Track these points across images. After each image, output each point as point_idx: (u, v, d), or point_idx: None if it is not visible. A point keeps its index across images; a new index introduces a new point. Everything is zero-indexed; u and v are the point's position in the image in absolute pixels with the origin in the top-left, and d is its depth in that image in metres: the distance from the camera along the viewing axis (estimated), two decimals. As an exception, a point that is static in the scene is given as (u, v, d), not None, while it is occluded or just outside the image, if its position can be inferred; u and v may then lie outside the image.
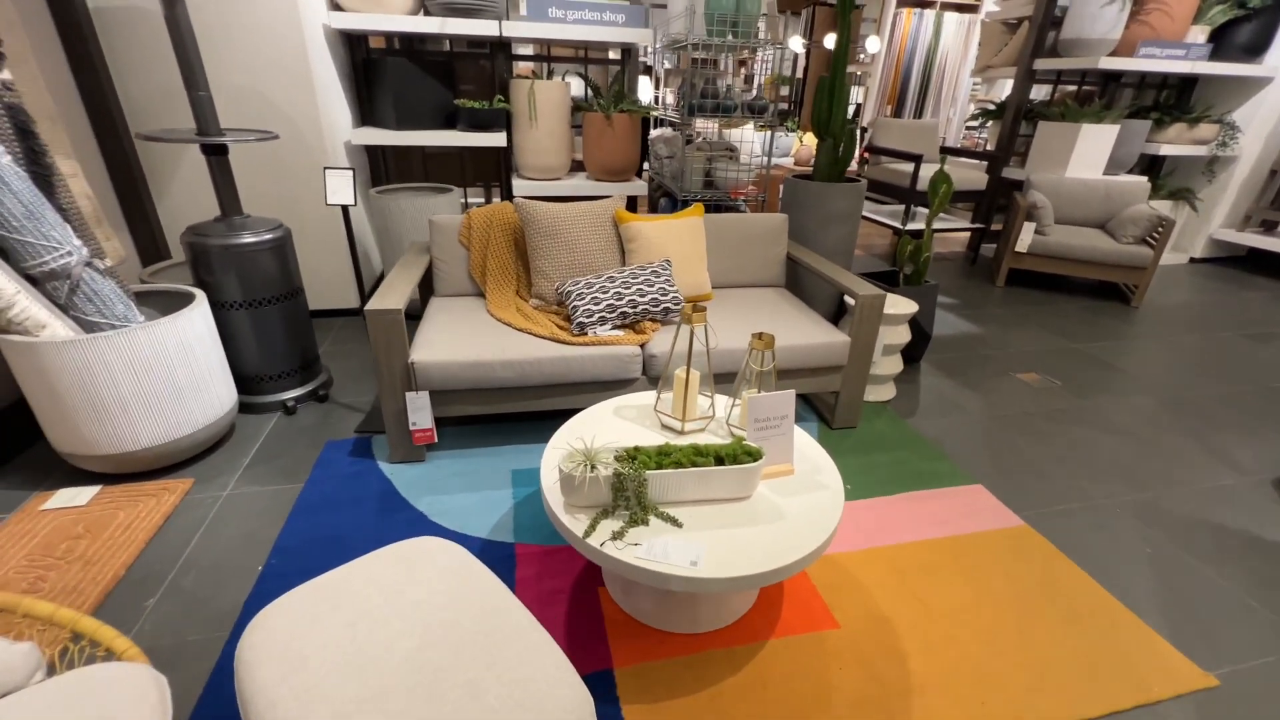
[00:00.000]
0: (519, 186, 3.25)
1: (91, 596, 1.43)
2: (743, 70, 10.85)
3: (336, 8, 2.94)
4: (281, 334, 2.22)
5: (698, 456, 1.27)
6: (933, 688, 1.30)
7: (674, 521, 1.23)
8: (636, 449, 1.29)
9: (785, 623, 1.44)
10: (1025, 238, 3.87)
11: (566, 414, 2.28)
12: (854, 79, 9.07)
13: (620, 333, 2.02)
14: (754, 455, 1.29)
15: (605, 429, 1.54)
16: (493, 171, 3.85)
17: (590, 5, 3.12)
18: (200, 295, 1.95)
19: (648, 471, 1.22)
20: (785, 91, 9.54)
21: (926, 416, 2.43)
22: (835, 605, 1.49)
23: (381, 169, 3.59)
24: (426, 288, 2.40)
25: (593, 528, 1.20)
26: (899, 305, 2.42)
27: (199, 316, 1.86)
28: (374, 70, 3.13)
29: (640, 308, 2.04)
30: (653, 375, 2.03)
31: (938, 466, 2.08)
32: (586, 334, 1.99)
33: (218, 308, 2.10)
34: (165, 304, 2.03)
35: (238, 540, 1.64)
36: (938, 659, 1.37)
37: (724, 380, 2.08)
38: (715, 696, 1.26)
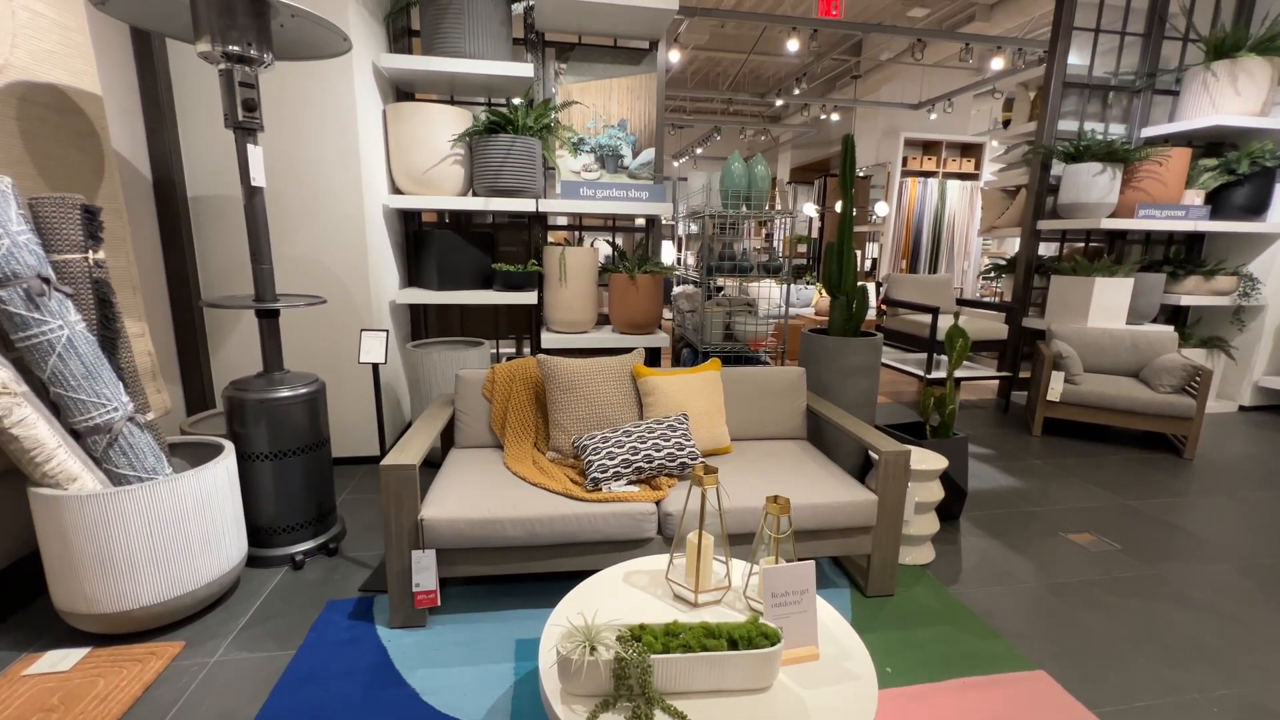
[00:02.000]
0: (547, 339, 3.41)
1: (45, 786, 1.30)
2: (763, 230, 11.77)
3: (397, 190, 3.37)
4: (301, 484, 2.24)
5: (709, 639, 1.16)
6: None
7: (683, 717, 1.09)
8: (642, 627, 1.19)
9: None
10: (1056, 387, 3.80)
11: (579, 575, 2.16)
12: (869, 236, 9.70)
13: (635, 489, 1.97)
14: (772, 638, 1.17)
15: (613, 599, 1.44)
16: (524, 325, 4.09)
17: (617, 185, 3.50)
18: (229, 447, 2.01)
19: (653, 656, 1.11)
20: (803, 249, 10.23)
21: (971, 584, 2.21)
22: (881, 831, 1.25)
23: (422, 323, 3.85)
24: (449, 439, 2.44)
25: (590, 723, 1.07)
26: (927, 460, 2.33)
27: (223, 469, 1.90)
28: (422, 240, 3.49)
29: (656, 462, 2.01)
30: (668, 535, 1.93)
31: (990, 646, 1.85)
32: (601, 489, 1.95)
33: (244, 458, 2.15)
34: (196, 455, 2.09)
35: (215, 718, 1.51)
36: None
37: (744, 540, 1.97)
38: None
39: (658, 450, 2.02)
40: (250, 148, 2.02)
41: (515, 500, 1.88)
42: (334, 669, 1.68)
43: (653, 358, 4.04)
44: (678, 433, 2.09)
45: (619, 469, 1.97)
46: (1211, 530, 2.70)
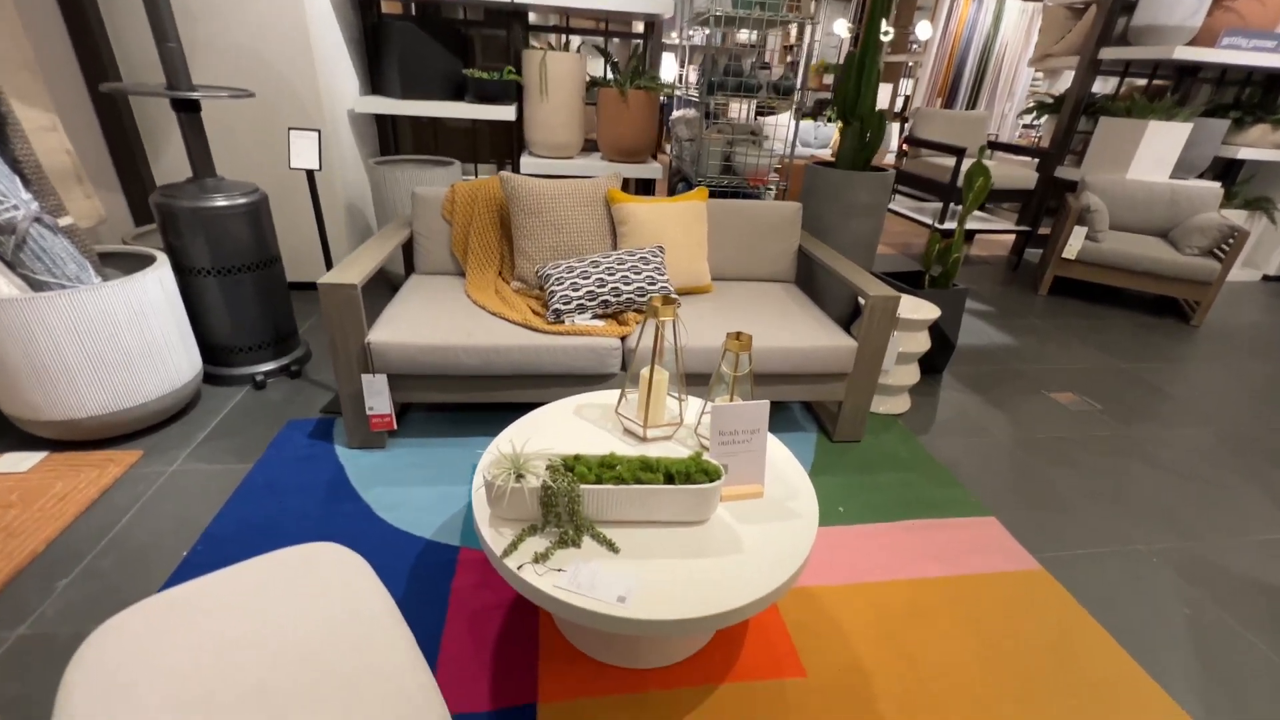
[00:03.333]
0: (527, 164, 3.09)
1: (3, 572, 1.35)
2: (789, 56, 10.46)
3: (344, -33, 2.82)
4: (255, 305, 2.12)
5: (644, 472, 1.10)
6: (907, 761, 1.11)
7: (610, 545, 1.06)
8: (577, 458, 1.12)
9: (744, 664, 1.26)
10: (1075, 243, 3.53)
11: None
12: (902, 69, 8.61)
13: (600, 323, 1.84)
14: (712, 474, 1.11)
15: (560, 430, 1.38)
16: (505, 148, 3.71)
17: (609, -28, 2.92)
18: (161, 259, 1.86)
19: (583, 486, 1.06)
20: (828, 80, 9.14)
21: (943, 435, 2.19)
22: (805, 649, 1.30)
23: (391, 140, 3.48)
24: (412, 264, 2.27)
25: (514, 547, 1.04)
26: (919, 309, 2.18)
27: (155, 281, 1.76)
28: (381, 35, 3.01)
29: (624, 297, 1.86)
30: (637, 369, 1.85)
31: (948, 493, 1.86)
32: (563, 322, 1.83)
33: (186, 273, 2.01)
34: (132, 267, 1.94)
35: (170, 521, 1.54)
36: (917, 725, 1.17)
37: (707, 382, 1.89)
38: (648, 749, 1.09)
39: (626, 284, 1.86)
40: (121, -126, 1.58)
41: (471, 328, 1.76)
42: (290, 483, 1.69)
43: (647, 191, 3.72)
44: (650, 265, 1.92)
45: (583, 301, 1.83)
46: (1199, 397, 2.63)
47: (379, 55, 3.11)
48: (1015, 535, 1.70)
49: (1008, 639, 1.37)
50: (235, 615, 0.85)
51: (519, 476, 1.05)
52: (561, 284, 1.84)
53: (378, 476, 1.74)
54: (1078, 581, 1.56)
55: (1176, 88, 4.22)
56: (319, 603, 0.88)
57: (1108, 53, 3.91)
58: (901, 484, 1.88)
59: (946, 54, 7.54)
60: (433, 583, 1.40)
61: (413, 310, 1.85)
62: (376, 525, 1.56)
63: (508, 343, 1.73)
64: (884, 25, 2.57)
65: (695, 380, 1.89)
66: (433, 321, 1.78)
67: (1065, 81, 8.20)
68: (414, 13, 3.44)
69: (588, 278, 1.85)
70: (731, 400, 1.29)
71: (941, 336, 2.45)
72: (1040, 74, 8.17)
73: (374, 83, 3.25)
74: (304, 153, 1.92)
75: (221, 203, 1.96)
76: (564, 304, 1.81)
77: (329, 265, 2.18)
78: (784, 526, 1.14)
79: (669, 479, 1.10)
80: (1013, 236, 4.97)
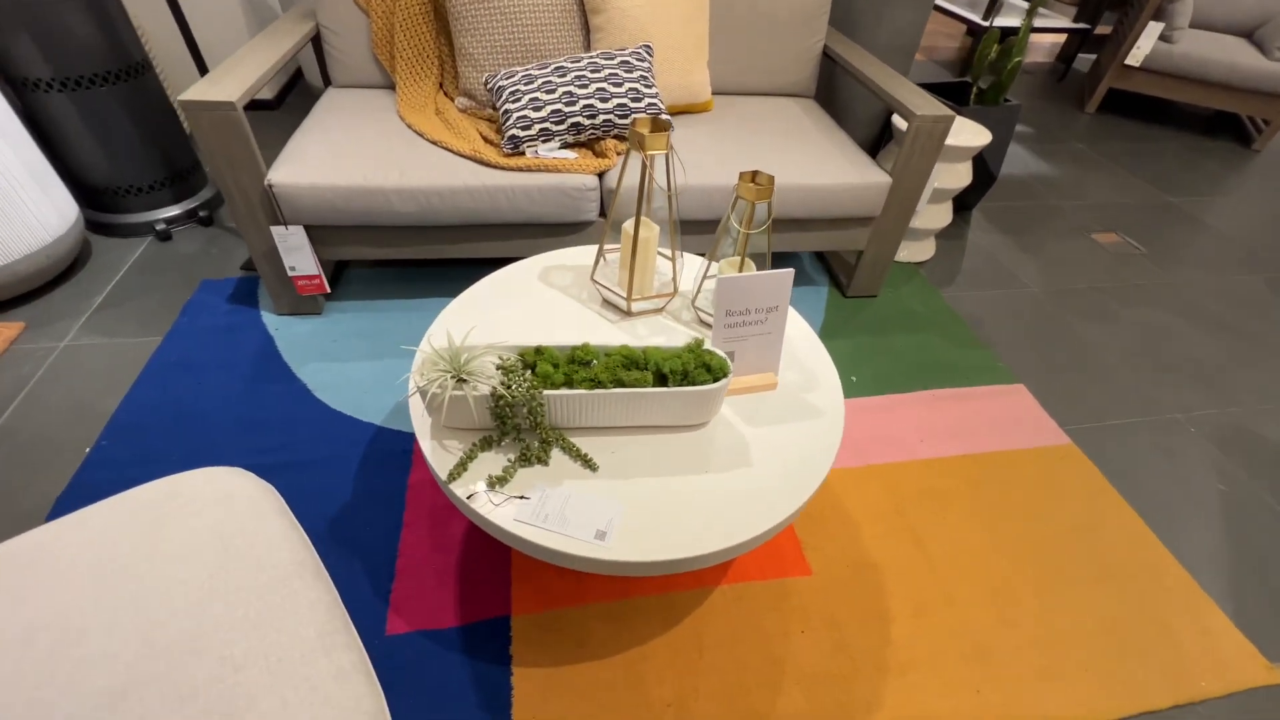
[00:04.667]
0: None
1: None
2: None
3: None
4: (130, 129, 1.67)
5: (627, 371, 0.84)
6: (916, 664, 1.02)
7: (586, 461, 0.84)
8: (539, 351, 0.85)
9: (742, 564, 1.13)
10: (1145, 45, 2.94)
11: (506, 261, 1.80)
12: None
13: (571, 154, 1.45)
14: (716, 371, 0.85)
15: (519, 303, 1.09)
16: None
17: None
18: (-29, 66, 1.37)
19: (547, 393, 0.80)
20: None
21: (967, 286, 1.92)
22: (810, 544, 1.17)
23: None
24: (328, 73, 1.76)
25: (462, 467, 0.82)
26: (966, 134, 1.77)
27: (-37, 99, 1.30)
28: None
29: (601, 117, 1.44)
30: (618, 217, 1.50)
31: (971, 356, 1.65)
32: (523, 153, 1.43)
33: (20, 88, 1.52)
34: (-60, 78, 1.45)
35: (67, 410, 1.29)
36: (928, 625, 1.07)
37: (706, 230, 1.56)
38: (635, 662, 0.99)
39: (604, 100, 1.43)
40: None
41: (405, 164, 1.37)
42: (209, 358, 1.42)
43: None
44: (635, 74, 1.46)
45: (548, 125, 1.41)
46: (1252, 236, 2.34)
47: None
48: (1044, 405, 1.53)
49: (1028, 524, 1.25)
50: (84, 586, 0.64)
51: (461, 381, 0.79)
52: (518, 100, 1.41)
53: (314, 349, 1.47)
54: (1108, 456, 1.42)
55: None
56: (207, 563, 0.66)
57: None
58: (919, 347, 1.66)
59: None
60: (384, 479, 1.21)
61: (327, 139, 1.42)
62: (314, 409, 1.33)
63: (452, 183, 1.35)
64: None
65: (689, 230, 1.55)
66: (356, 154, 1.37)
67: None
68: None
69: (552, 91, 1.41)
70: (741, 266, 0.99)
71: (983, 167, 2.07)
72: None
73: None
74: None
75: (39, -20, 1.41)
76: (523, 128, 1.40)
77: (202, 73, 1.68)
78: (802, 429, 0.92)
79: (661, 379, 0.84)
80: (1062, 38, 4.23)
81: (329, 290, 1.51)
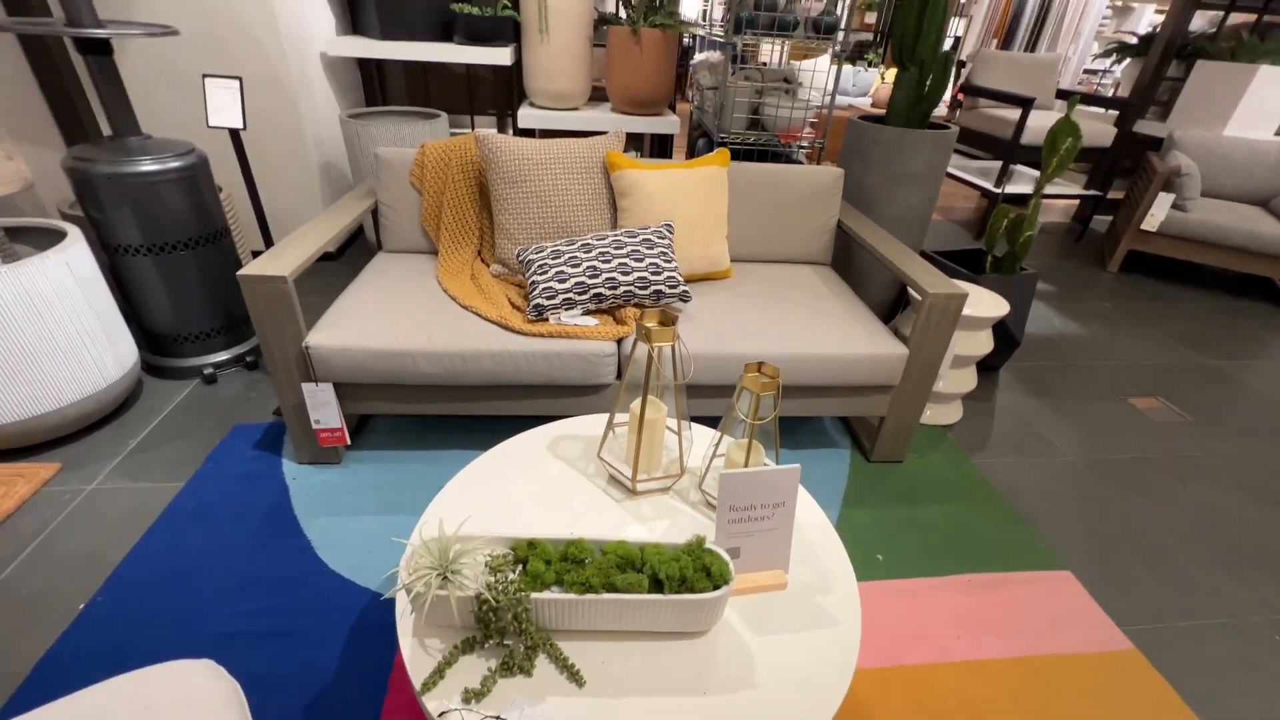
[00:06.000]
0: (526, 117, 2.70)
1: None
2: (826, -7, 9.55)
3: (308, -122, 2.40)
4: (200, 286, 1.84)
5: (621, 573, 0.79)
6: None
7: (573, 674, 0.77)
8: (531, 545, 0.83)
9: (753, 790, 0.98)
10: (1158, 213, 3.04)
11: (527, 418, 1.83)
12: (956, 7, 7.76)
13: (592, 321, 1.52)
14: (716, 578, 0.80)
15: (524, 478, 1.08)
16: (505, 97, 3.30)
17: (619, -120, 2.44)
18: (73, 235, 1.56)
19: (535, 596, 0.76)
20: (871, 19, 8.32)
21: (1000, 453, 1.85)
22: (833, 767, 1.02)
23: (377, 89, 3.10)
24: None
25: (439, 675, 0.76)
26: (984, 304, 1.80)
27: (55, 266, 1.47)
28: (355, -38, 2.60)
29: (622, 289, 1.52)
30: (633, 382, 1.53)
31: (1009, 534, 1.53)
32: (546, 320, 1.50)
33: (113, 252, 1.72)
34: (50, 244, 1.66)
35: (75, 559, 1.30)
36: None
37: (722, 394, 1.57)
38: None
39: (625, 273, 1.52)
40: None
41: (435, 328, 1.45)
42: (225, 508, 1.44)
43: (662, 149, 3.30)
44: (655, 250, 1.56)
45: (572, 295, 1.50)
46: (1308, 403, 2.23)
47: (355, -13, 2.72)
48: (1096, 597, 1.38)
49: (1094, 754, 1.07)
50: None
51: (446, 579, 0.76)
52: (545, 273, 1.51)
53: (326, 501, 1.47)
54: (1178, 666, 1.24)
55: (1292, 25, 3.58)
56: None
57: (1214, -18, 3.29)
58: (953, 521, 1.56)
59: (1007, -12, 6.72)
60: (370, 657, 1.14)
61: (368, 302, 1.54)
62: (312, 569, 1.30)
63: (477, 347, 1.42)
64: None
65: (706, 394, 1.57)
66: (390, 318, 1.47)
67: (1137, 20, 7.32)
68: (399, -63, 3.00)
69: (577, 265, 1.51)
70: (748, 454, 0.97)
71: (1005, 333, 2.07)
72: (1109, 11, 7.29)
73: (354, 21, 2.85)
74: (224, 108, 1.58)
75: (149, 167, 1.65)
76: (547, 298, 1.49)
77: (268, 244, 1.87)
78: (814, 640, 0.84)
79: (656, 584, 0.80)
80: (1077, 202, 4.43)
81: (349, 442, 1.54)
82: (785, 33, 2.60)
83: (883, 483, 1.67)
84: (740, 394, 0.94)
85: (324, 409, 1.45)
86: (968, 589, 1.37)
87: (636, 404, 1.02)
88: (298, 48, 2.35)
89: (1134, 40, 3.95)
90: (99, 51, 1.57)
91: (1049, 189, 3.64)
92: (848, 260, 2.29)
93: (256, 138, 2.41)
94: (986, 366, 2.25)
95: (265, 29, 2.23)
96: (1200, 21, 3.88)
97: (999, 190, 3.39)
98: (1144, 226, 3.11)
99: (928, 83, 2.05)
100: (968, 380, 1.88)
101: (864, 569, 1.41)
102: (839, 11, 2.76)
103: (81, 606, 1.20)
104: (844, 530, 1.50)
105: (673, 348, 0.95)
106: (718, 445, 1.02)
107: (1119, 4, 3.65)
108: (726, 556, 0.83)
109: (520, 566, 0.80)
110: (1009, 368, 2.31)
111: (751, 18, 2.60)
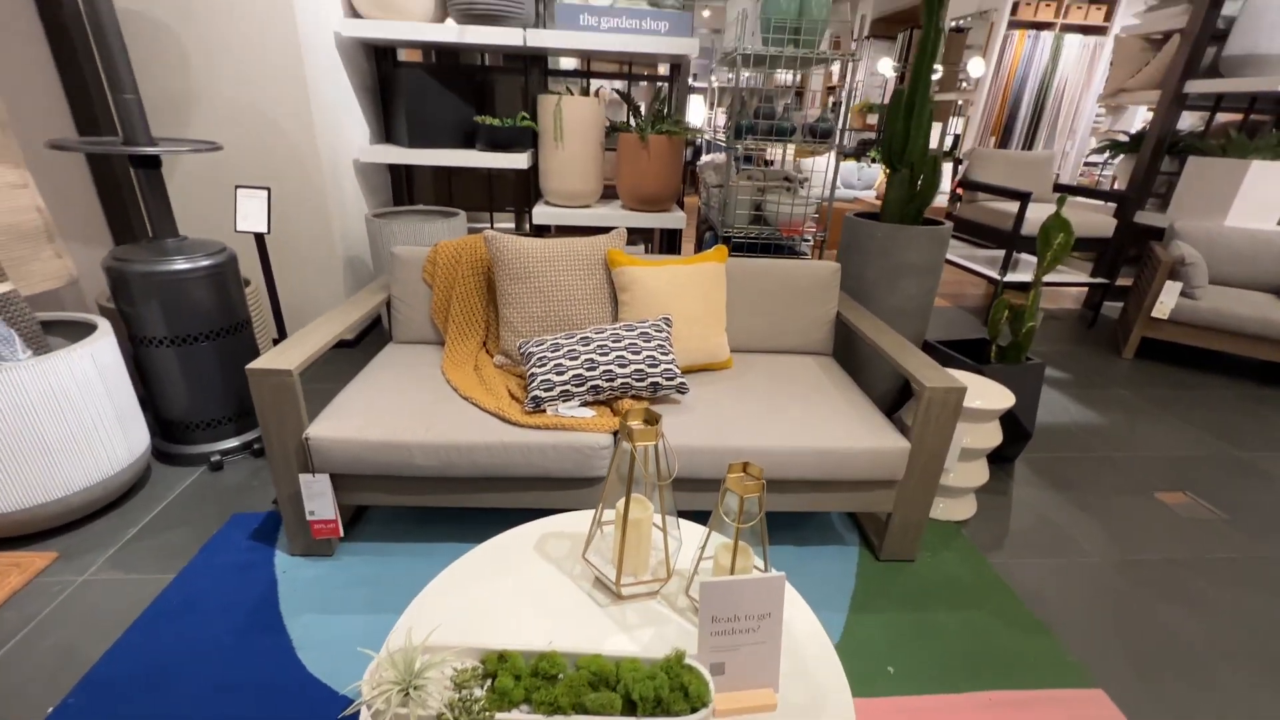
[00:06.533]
0: (541, 214, 2.86)
1: None
2: (831, 97, 10.25)
3: (354, 14, 2.71)
4: (217, 375, 1.90)
5: (594, 690, 0.75)
6: None
7: (538, 807, 0.72)
8: (502, 658, 0.79)
9: None
10: (1167, 301, 3.04)
11: (524, 510, 1.81)
12: (952, 108, 8.23)
13: (589, 412, 1.53)
14: (694, 699, 0.75)
15: (507, 579, 1.05)
16: (524, 195, 3.52)
17: (628, 12, 2.72)
18: (102, 329, 1.65)
19: (499, 716, 0.72)
20: (873, 120, 8.85)
21: (1019, 552, 1.75)
22: None
23: (405, 189, 3.34)
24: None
25: (395, 806, 0.71)
26: (988, 395, 1.78)
27: (86, 357, 1.55)
28: (390, 83, 2.88)
29: (619, 381, 1.54)
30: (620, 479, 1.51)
31: (1032, 645, 1.42)
32: (544, 411, 1.52)
33: (139, 344, 1.81)
34: (81, 335, 1.75)
35: (55, 655, 1.27)
36: None
37: (716, 489, 1.53)
38: None
39: (622, 365, 1.54)
40: (68, -86, 1.43)
41: (433, 419, 1.47)
42: (211, 602, 1.41)
43: (669, 245, 3.45)
44: (653, 343, 1.60)
45: (569, 386, 1.52)
46: (1351, 500, 2.10)
47: (389, 102, 2.99)
48: (1134, 721, 1.26)
49: None
50: None
51: (409, 693, 0.72)
52: (544, 365, 1.54)
53: (313, 597, 1.44)
54: (1235, 810, 1.10)
55: (1279, 122, 3.71)
56: None
57: (1195, 85, 3.46)
58: (970, 629, 1.46)
59: (1000, 91, 7.14)
60: (339, 775, 1.07)
61: (371, 393, 1.57)
62: (290, 673, 1.24)
63: (471, 439, 1.43)
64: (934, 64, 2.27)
65: (701, 488, 1.54)
66: (390, 409, 1.50)
67: (1130, 118, 7.66)
68: (433, 60, 3.33)
69: (575, 358, 1.54)
70: (734, 559, 0.94)
71: (1015, 424, 2.03)
72: (1103, 110, 7.64)
73: (387, 131, 3.12)
74: (252, 214, 1.71)
75: (181, 265, 1.76)
76: (545, 390, 1.51)
77: (282, 336, 1.95)
78: (804, 774, 0.77)
79: (631, 704, 0.75)
80: (1086, 288, 4.46)
81: (342, 534, 1.53)
82: (783, 137, 2.78)
83: (893, 584, 1.58)
84: (724, 495, 0.93)
85: (319, 500, 1.46)
86: (989, 708, 1.26)
87: (622, 502, 1.00)
88: (332, 156, 2.57)
89: (1125, 138, 4.11)
90: (149, 165, 1.74)
91: (1056, 276, 3.68)
92: (851, 350, 2.30)
93: (287, 234, 2.58)
94: (1001, 458, 2.19)
95: (304, 141, 2.44)
96: (1191, 119, 4.05)
97: (1002, 278, 3.43)
98: (1155, 314, 3.09)
99: (919, 182, 2.15)
100: (979, 473, 1.82)
101: (873, 683, 1.31)
102: (839, 116, 2.95)
103: (50, 710, 1.16)
104: (851, 637, 1.41)
105: (656, 446, 0.95)
106: (704, 547, 0.99)
107: (1110, 104, 3.88)
108: (707, 675, 0.78)
109: (489, 682, 0.77)
110: (1024, 459, 2.24)
111: (751, 125, 2.79)
